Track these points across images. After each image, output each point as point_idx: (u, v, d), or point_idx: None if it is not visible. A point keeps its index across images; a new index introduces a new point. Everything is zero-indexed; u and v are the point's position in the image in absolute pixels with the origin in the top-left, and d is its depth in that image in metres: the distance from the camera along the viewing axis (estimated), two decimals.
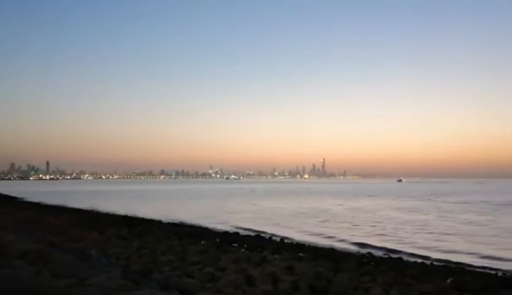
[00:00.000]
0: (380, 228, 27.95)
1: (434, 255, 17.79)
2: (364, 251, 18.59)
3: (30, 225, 23.67)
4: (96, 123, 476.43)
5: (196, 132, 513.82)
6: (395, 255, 17.23)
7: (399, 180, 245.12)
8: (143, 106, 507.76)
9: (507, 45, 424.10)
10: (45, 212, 35.69)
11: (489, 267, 15.09)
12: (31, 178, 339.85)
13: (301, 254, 15.64)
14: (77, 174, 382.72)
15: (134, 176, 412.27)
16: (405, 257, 16.81)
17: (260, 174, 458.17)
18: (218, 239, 19.89)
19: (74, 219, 28.78)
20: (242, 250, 16.76)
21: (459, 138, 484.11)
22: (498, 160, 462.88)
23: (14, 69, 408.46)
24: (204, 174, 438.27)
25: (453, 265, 15.39)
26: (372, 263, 14.45)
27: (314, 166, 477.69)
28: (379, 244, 20.58)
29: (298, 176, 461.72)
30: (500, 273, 13.84)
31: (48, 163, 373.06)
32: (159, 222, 29.64)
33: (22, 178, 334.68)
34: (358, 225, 29.59)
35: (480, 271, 13.99)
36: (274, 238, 22.18)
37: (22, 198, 64.68)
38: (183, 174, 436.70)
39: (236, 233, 24.15)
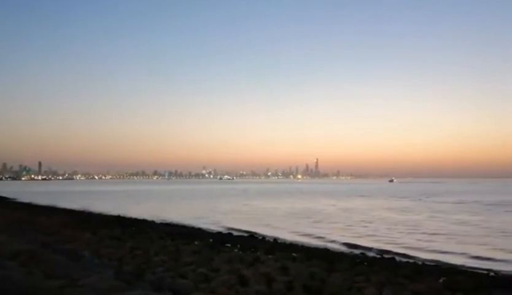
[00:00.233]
0: (373, 228, 28.06)
1: (427, 255, 17.88)
2: (357, 251, 18.68)
3: (22, 225, 23.48)
4: (88, 123, 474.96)
5: (190, 132, 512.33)
6: (387, 256, 17.32)
7: (391, 181, 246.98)
8: (136, 106, 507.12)
9: (507, 45, 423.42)
10: (37, 212, 35.39)
11: (481, 267, 15.20)
12: (23, 178, 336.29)
13: (294, 254, 15.62)
14: (69, 174, 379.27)
15: (126, 176, 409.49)
16: (398, 258, 16.91)
17: (254, 174, 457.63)
18: (211, 240, 19.85)
19: (66, 219, 28.56)
20: (236, 250, 16.72)
21: (459, 138, 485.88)
22: (498, 160, 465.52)
23: (6, 69, 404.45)
24: (197, 175, 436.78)
25: (445, 265, 15.49)
26: (366, 264, 14.48)
27: (307, 166, 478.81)
28: (371, 245, 20.65)
29: (291, 176, 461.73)
30: (491, 273, 13.95)
31: (40, 164, 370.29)
32: (153, 222, 29.58)
33: (14, 178, 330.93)
34: (351, 226, 29.70)
35: (473, 271, 14.08)
36: (267, 238, 22.18)
37: (14, 199, 64.12)
38: (176, 174, 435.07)
39: (229, 234, 24.16)
